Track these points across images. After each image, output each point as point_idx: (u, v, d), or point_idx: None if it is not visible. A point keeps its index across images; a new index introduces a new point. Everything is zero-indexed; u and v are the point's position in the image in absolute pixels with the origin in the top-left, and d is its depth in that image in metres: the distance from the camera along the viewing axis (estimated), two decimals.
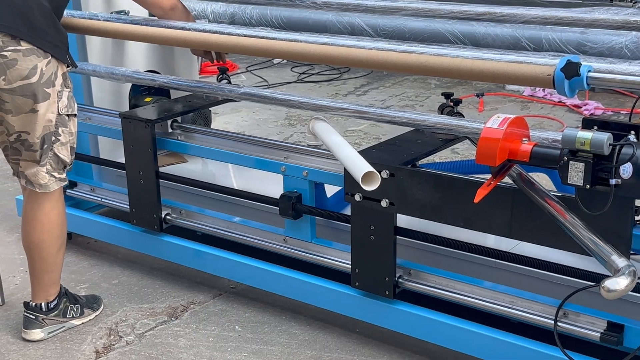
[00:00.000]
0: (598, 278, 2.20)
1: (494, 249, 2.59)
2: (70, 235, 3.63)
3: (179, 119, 3.33)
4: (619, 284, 1.90)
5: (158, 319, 3.14)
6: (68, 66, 2.84)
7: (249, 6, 3.44)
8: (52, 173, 2.86)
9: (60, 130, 2.82)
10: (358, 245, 2.71)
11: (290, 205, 2.87)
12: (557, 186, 2.74)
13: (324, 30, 3.14)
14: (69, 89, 2.84)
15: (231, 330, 3.04)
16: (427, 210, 2.51)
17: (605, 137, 1.98)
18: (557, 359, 2.35)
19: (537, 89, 6.31)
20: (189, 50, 3.66)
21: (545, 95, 6.35)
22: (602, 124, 2.10)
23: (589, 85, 2.11)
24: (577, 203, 2.10)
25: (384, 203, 2.57)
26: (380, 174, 2.45)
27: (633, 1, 2.52)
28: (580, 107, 6.03)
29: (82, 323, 3.09)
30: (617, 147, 2.01)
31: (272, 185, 3.10)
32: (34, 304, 2.99)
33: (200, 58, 3.77)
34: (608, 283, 1.90)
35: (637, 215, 2.24)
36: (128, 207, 3.37)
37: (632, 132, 2.06)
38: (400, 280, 2.69)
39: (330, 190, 3.03)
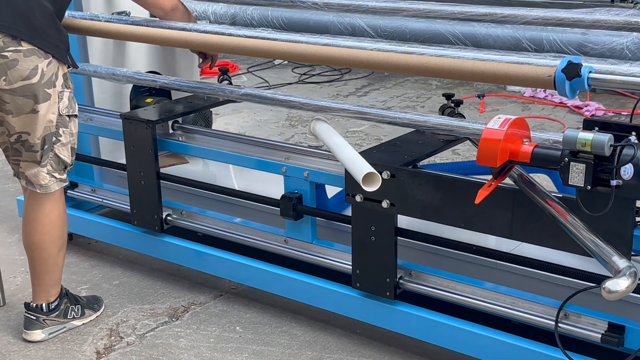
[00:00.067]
0: (599, 279, 2.20)
1: (495, 250, 2.58)
2: (71, 236, 3.63)
3: (180, 119, 3.33)
4: (620, 285, 1.90)
5: (159, 319, 3.14)
6: (69, 67, 2.84)
7: (250, 7, 3.44)
8: (53, 174, 2.86)
9: (61, 131, 2.82)
10: (359, 246, 2.71)
11: (291, 206, 2.87)
12: (558, 187, 2.74)
13: (325, 31, 3.14)
14: (69, 90, 2.84)
15: (232, 331, 3.04)
16: (428, 211, 2.51)
17: (606, 138, 1.98)
18: None
19: (538, 90, 6.31)
20: (190, 51, 3.66)
21: (547, 96, 6.34)
22: (603, 125, 2.10)
23: (589, 86, 2.11)
24: (578, 204, 2.10)
25: (384, 204, 2.57)
26: (381, 174, 2.46)
27: (634, 2, 2.52)
28: (581, 108, 6.02)
29: (83, 324, 3.09)
30: (618, 148, 2.00)
31: (273, 186, 3.10)
32: (34, 304, 2.99)
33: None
34: (609, 284, 1.90)
35: (638, 216, 2.23)
36: (129, 207, 3.37)
37: (633, 133, 2.06)
38: (401, 281, 2.69)
39: (331, 191, 3.03)
